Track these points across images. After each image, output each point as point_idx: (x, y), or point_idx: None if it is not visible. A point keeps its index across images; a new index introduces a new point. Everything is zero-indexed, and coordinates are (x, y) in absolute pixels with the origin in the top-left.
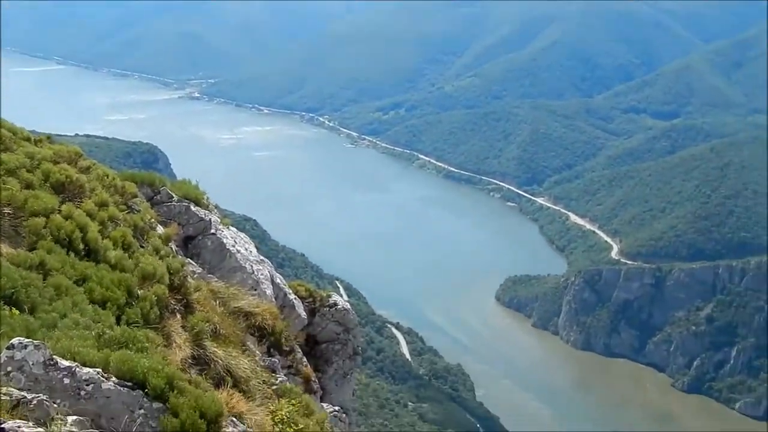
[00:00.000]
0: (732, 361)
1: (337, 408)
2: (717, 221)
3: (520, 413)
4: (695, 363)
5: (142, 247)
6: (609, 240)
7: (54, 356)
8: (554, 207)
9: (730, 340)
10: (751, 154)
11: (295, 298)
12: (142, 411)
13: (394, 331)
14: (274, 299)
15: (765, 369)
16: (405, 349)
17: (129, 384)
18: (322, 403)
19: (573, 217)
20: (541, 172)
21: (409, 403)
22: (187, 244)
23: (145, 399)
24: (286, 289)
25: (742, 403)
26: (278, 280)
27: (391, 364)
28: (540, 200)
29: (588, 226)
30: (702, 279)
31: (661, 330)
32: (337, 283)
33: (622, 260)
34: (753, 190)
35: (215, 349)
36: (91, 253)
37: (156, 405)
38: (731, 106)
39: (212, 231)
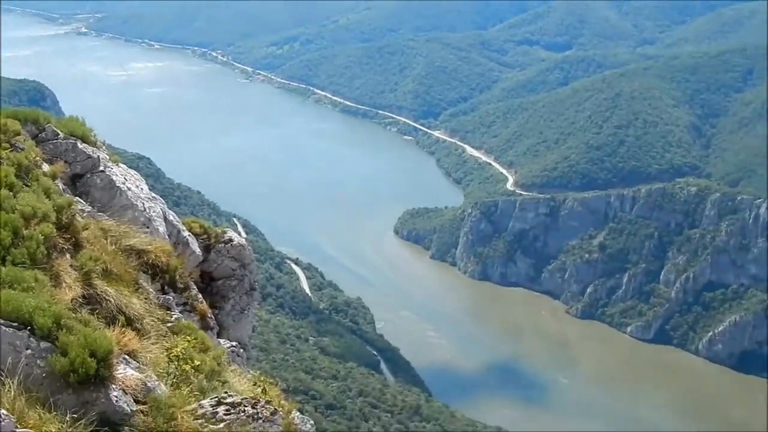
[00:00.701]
0: (623, 287)
1: (234, 343)
2: (609, 151)
3: (419, 343)
4: (588, 290)
5: (27, 186)
6: (504, 171)
7: None
8: (450, 140)
9: (621, 266)
10: (641, 85)
11: (189, 235)
12: (29, 351)
13: (294, 266)
14: (167, 237)
15: (655, 294)
16: (305, 285)
17: (14, 324)
18: (220, 339)
19: (469, 150)
20: (437, 105)
21: (310, 338)
22: (75, 182)
23: (32, 339)
24: (180, 227)
25: (633, 327)
26: (171, 218)
27: (292, 300)
28: (436, 133)
29: (484, 158)
30: (594, 208)
31: (556, 258)
32: (235, 220)
33: (517, 191)
34: (643, 120)
35: (106, 288)
36: None
37: (44, 345)
38: (622, 38)
39: (101, 168)
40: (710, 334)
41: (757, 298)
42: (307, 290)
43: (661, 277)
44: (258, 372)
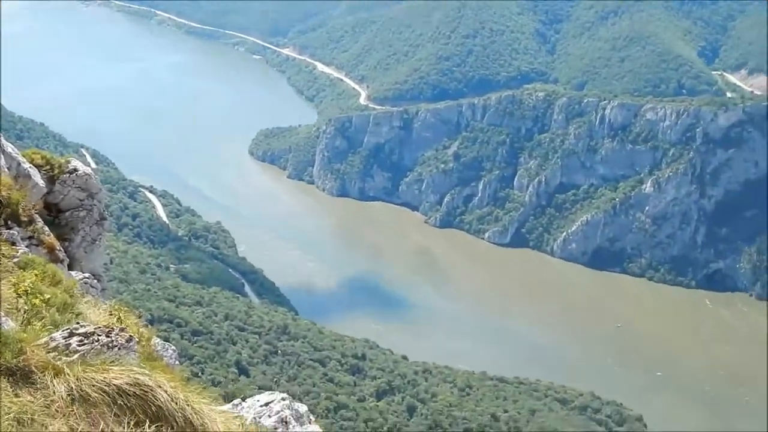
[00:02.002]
0: (479, 194)
1: (87, 275)
2: (458, 61)
3: (283, 264)
4: (446, 199)
5: None
6: (356, 87)
7: None
8: (300, 57)
9: (476, 174)
10: None
11: (30, 167)
12: None
13: (149, 194)
14: (6, 170)
15: (510, 199)
16: (161, 212)
17: None
18: (71, 272)
19: (320, 66)
20: (285, 22)
21: (171, 266)
22: None
23: None
24: (20, 159)
25: (491, 233)
26: (9, 150)
27: (149, 229)
28: (285, 51)
29: (335, 74)
30: (447, 118)
31: (412, 170)
32: (83, 150)
33: (370, 105)
34: (489, 29)
35: None
36: None
37: None
38: None
39: None
40: (564, 234)
41: (606, 197)
42: (165, 218)
43: (515, 182)
44: (118, 303)
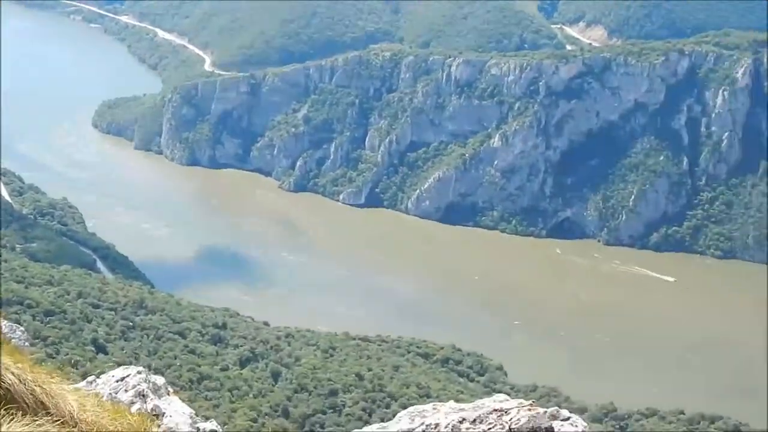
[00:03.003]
0: (332, 157)
1: None
2: (303, 24)
3: (135, 237)
4: (298, 163)
5: None
6: (201, 53)
7: None
8: (140, 24)
9: (327, 136)
10: None
11: None
12: None
13: None
14: None
15: (362, 160)
16: (3, 191)
17: None
18: None
19: (161, 33)
20: None
21: (17, 246)
22: None
23: None
24: None
25: (345, 194)
26: None
27: None
28: (124, 18)
29: (177, 40)
30: (295, 81)
31: (263, 136)
32: None
33: (216, 72)
34: None
35: None
36: None
37: None
38: None
39: None
40: (417, 192)
41: (456, 153)
42: (7, 197)
43: (366, 143)
44: None
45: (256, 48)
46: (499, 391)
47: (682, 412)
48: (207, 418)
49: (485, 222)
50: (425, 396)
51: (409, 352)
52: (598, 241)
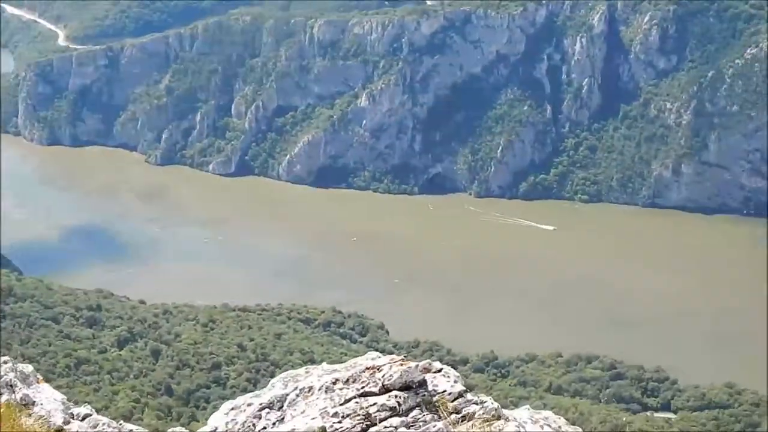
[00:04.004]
0: (198, 127)
1: None
2: None
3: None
4: (164, 135)
5: None
6: (53, 27)
7: None
8: None
9: (192, 106)
10: None
11: None
12: None
13: None
14: None
15: (230, 128)
16: None
17: None
18: None
19: (9, 9)
20: None
21: None
22: None
23: None
24: None
25: (215, 164)
26: None
27: None
28: None
29: (27, 15)
30: (154, 51)
31: (125, 109)
32: None
33: (71, 46)
34: None
35: None
36: None
37: None
38: None
39: None
40: (288, 157)
41: (324, 116)
42: None
43: (233, 110)
44: None
45: (111, 19)
46: (382, 350)
47: (560, 355)
48: (77, 403)
49: (358, 183)
50: (309, 362)
51: (290, 319)
52: (470, 194)
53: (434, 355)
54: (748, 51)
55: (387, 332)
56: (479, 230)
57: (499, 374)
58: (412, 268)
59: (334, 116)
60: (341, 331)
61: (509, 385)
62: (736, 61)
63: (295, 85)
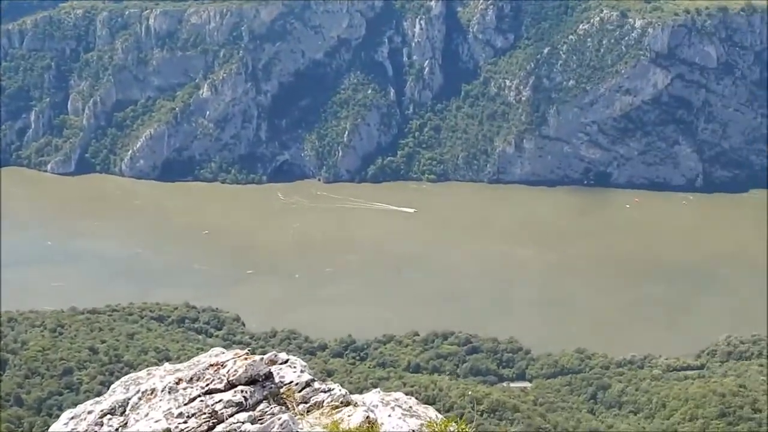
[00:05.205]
0: (33, 126)
1: None
2: None
3: None
4: None
5: None
6: None
7: None
8: None
9: (26, 105)
10: None
11: None
12: None
13: None
14: None
15: (67, 125)
16: None
17: None
18: None
19: None
20: None
21: None
22: None
23: None
24: None
25: (53, 164)
26: None
27: None
28: None
29: None
30: None
31: None
32: None
33: None
34: None
35: None
36: None
37: None
38: None
39: None
40: (130, 152)
41: (165, 108)
42: None
43: (69, 107)
44: None
45: None
46: (239, 342)
47: (417, 333)
48: None
49: (204, 174)
50: (165, 359)
51: (142, 318)
52: (319, 179)
53: (292, 344)
54: (581, 27)
55: (243, 324)
56: (333, 217)
57: (358, 357)
58: (264, 257)
59: (176, 108)
60: (196, 326)
61: (369, 367)
62: (570, 36)
63: (133, 78)
